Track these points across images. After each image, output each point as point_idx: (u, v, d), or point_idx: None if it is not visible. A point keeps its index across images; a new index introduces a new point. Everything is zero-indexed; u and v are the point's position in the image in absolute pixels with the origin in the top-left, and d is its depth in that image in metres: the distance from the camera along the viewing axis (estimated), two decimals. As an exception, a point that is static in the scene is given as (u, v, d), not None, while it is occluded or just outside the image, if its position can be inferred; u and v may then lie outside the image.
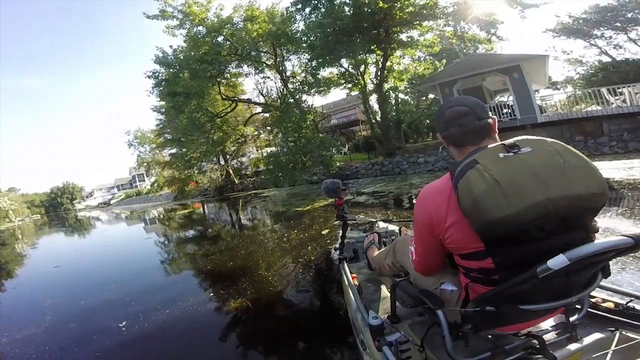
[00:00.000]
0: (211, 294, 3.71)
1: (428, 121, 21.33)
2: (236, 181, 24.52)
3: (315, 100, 29.68)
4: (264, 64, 16.19)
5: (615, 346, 1.00)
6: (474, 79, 12.77)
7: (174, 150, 21.00)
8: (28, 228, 24.64)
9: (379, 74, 15.09)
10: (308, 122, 13.97)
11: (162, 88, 14.32)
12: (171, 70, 13.80)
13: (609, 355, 0.97)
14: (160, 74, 14.03)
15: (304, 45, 14.25)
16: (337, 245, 2.43)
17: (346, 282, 1.92)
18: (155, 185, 34.70)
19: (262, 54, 15.65)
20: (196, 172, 21.20)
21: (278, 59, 15.62)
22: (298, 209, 9.39)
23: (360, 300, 1.55)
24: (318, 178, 17.96)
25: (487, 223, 0.79)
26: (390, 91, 15.14)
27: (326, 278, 3.61)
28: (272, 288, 3.53)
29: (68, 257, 8.08)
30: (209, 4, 14.44)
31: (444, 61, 17.05)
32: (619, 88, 10.64)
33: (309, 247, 4.82)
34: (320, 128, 19.82)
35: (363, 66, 15.33)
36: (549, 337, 1.05)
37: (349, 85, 16.58)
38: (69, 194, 55.81)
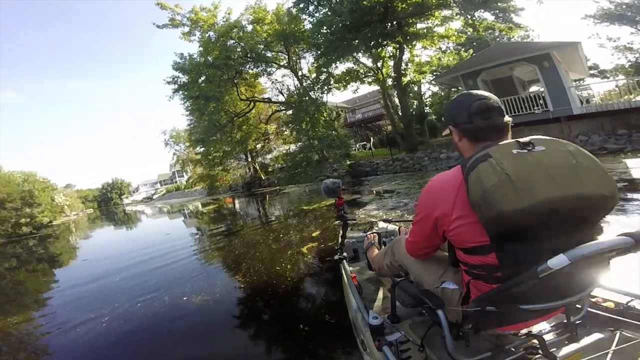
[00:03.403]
0: (218, 288, 3.85)
1: None
2: (263, 177, 25.11)
3: (338, 96, 29.42)
4: (277, 64, 16.19)
5: (616, 346, 0.99)
6: (502, 69, 11.84)
7: (201, 149, 22.06)
8: (82, 221, 27.25)
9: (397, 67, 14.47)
10: (322, 120, 13.92)
11: (182, 93, 14.93)
12: (188, 76, 14.31)
13: (609, 355, 0.96)
14: (179, 79, 14.60)
15: (310, 44, 14.04)
16: (337, 246, 2.44)
17: (346, 282, 1.96)
18: (190, 181, 36.91)
19: (275, 54, 15.65)
20: (221, 169, 22.06)
21: (292, 58, 15.55)
22: (305, 207, 9.59)
23: (360, 300, 1.56)
24: (338, 174, 18.00)
25: (495, 216, 0.79)
26: (411, 84, 14.58)
27: (326, 278, 3.62)
28: (272, 287, 3.58)
29: (112, 250, 8.63)
30: (216, 10, 14.68)
31: (471, 51, 16.09)
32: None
33: (310, 245, 4.91)
34: (339, 124, 19.71)
35: (380, 60, 14.81)
36: (549, 337, 1.05)
37: (369, 80, 16.10)
38: (118, 189, 60.06)
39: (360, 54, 14.81)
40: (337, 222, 2.52)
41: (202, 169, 26.16)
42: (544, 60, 10.60)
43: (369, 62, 15.62)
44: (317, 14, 13.39)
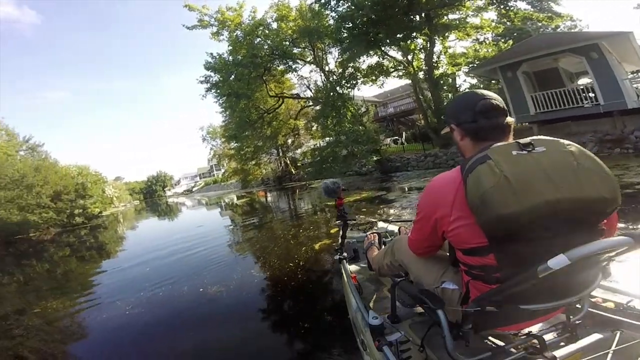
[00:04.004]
0: (232, 281, 4.06)
1: None
2: (293, 171, 25.54)
3: (369, 90, 28.91)
4: (303, 60, 16.17)
5: (616, 346, 0.98)
6: (546, 61, 10.88)
7: (234, 145, 22.84)
8: (129, 213, 29.46)
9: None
10: (348, 115, 13.74)
11: (214, 91, 15.44)
12: (219, 75, 14.73)
13: (609, 356, 0.95)
14: (211, 78, 15.09)
15: (334, 39, 13.83)
16: (337, 246, 2.45)
17: (346, 282, 1.97)
18: (226, 174, 38.45)
19: (302, 50, 15.61)
20: (253, 164, 22.68)
21: (317, 54, 15.44)
22: (329, 203, 9.64)
23: (360, 300, 1.57)
24: (367, 169, 17.76)
25: (493, 218, 0.79)
26: (444, 77, 13.91)
27: (330, 277, 3.65)
28: (281, 284, 3.71)
29: (151, 241, 9.34)
30: (242, 9, 14.84)
31: (510, 42, 15.03)
32: None
33: (323, 242, 5.13)
34: (368, 119, 19.38)
35: (410, 53, 14.25)
36: (549, 337, 1.05)
37: (400, 73, 15.54)
38: (161, 182, 63.71)
39: (388, 48, 14.29)
40: (337, 222, 2.53)
41: (236, 163, 27.12)
42: (592, 51, 9.62)
43: (398, 55, 15.09)
44: (339, 9, 13.09)
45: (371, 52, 14.18)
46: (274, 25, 14.91)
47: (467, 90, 1.07)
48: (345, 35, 13.02)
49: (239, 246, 6.47)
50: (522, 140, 0.85)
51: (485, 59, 13.50)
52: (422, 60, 14.28)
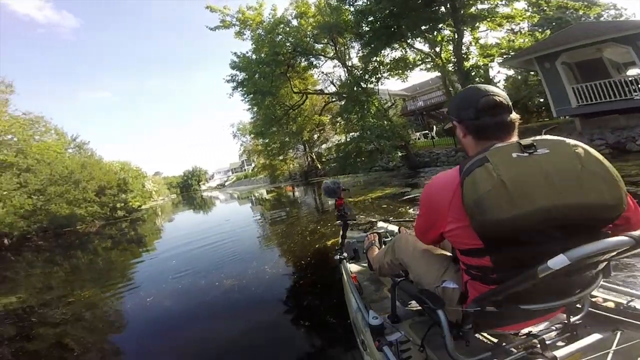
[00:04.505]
0: (246, 276, 4.24)
1: (542, 99, 18.10)
2: (319, 167, 25.68)
3: (397, 84, 28.20)
4: (325, 56, 16.01)
5: (616, 346, 0.98)
6: (589, 51, 10.03)
7: (261, 141, 23.35)
8: (167, 206, 31.08)
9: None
10: (372, 110, 13.49)
11: (240, 89, 15.77)
12: (245, 73, 14.97)
13: (609, 355, 0.95)
14: (237, 77, 15.38)
15: (354, 34, 13.55)
16: (337, 246, 2.48)
17: (346, 282, 1.98)
18: (255, 170, 39.43)
19: (324, 45, 15.48)
20: (281, 159, 23.04)
21: (339, 49, 15.23)
22: (350, 199, 9.64)
23: (360, 300, 1.59)
24: (395, 165, 17.43)
25: (486, 223, 0.79)
26: (476, 69, 13.24)
27: (326, 278, 3.65)
28: (289, 281, 3.81)
29: (185, 234, 9.72)
30: (261, 8, 14.89)
31: (548, 32, 14.01)
32: None
33: (335, 240, 5.01)
34: (395, 113, 18.93)
35: (438, 45, 13.70)
36: (549, 337, 1.06)
37: (428, 66, 15.02)
38: (197, 176, 66.46)
39: (413, 40, 13.79)
40: (337, 222, 2.55)
41: (264, 159, 27.75)
42: (639, 40, 8.83)
43: (425, 48, 14.53)
44: (357, 3, 12.83)
45: (395, 45, 13.77)
46: (294, 22, 14.93)
47: (469, 85, 1.03)
48: (367, 29, 12.72)
49: (260, 241, 6.73)
50: (524, 141, 0.83)
51: (521, 49, 12.72)
52: (450, 51, 13.64)
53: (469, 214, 0.82)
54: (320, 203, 11.55)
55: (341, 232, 2.53)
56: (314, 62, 16.22)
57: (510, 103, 0.97)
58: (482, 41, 13.81)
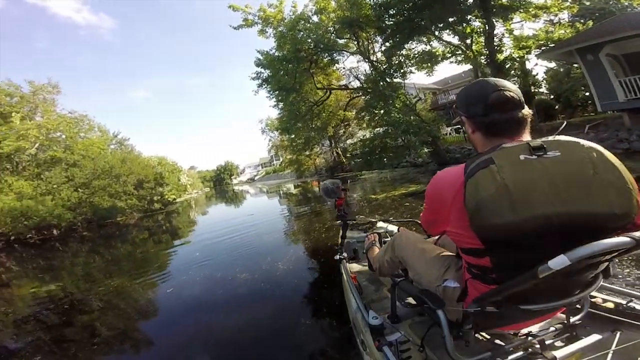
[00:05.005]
0: (258, 271, 4.44)
1: (587, 93, 16.79)
2: (345, 162, 25.62)
3: (426, 77, 27.43)
4: (347, 51, 15.78)
5: (616, 346, 0.99)
6: (638, 42, 9.34)
7: (287, 137, 23.67)
8: (200, 199, 32.36)
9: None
10: (397, 105, 13.15)
11: (265, 87, 15.98)
12: (269, 70, 15.12)
13: (609, 356, 0.96)
14: (261, 75, 15.56)
15: (376, 28, 13.16)
16: (337, 246, 2.48)
17: (346, 282, 1.99)
18: (282, 165, 40.10)
19: (346, 40, 15.24)
20: (306, 154, 23.21)
21: (362, 43, 14.93)
22: (372, 196, 9.62)
23: (360, 300, 1.60)
24: (423, 160, 16.97)
25: (485, 226, 0.79)
26: (510, 61, 12.49)
27: (326, 278, 3.70)
28: (296, 280, 3.86)
29: (216, 228, 10.15)
30: (282, 5, 14.88)
31: (590, 23, 12.92)
32: None
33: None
34: (424, 107, 18.34)
35: (469, 37, 13.06)
36: (549, 337, 1.07)
37: (458, 59, 14.37)
38: (228, 170, 68.61)
39: (440, 33, 13.25)
40: (337, 222, 2.55)
41: (290, 154, 28.11)
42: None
43: (454, 40, 13.90)
44: None
45: (422, 38, 13.31)
46: (315, 18, 14.84)
47: (479, 78, 0.98)
48: (389, 23, 12.37)
49: (278, 236, 6.94)
50: (533, 143, 0.80)
51: (560, 41, 11.86)
52: (482, 43, 12.94)
53: (470, 215, 0.81)
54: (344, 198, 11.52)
55: (341, 232, 2.53)
56: (337, 58, 16.11)
57: (522, 98, 0.93)
58: (516, 32, 12.96)
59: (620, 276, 2.23)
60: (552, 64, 17.91)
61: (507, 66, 12.23)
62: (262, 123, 40.81)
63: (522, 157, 0.78)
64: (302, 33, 13.96)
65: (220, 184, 65.26)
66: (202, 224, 12.58)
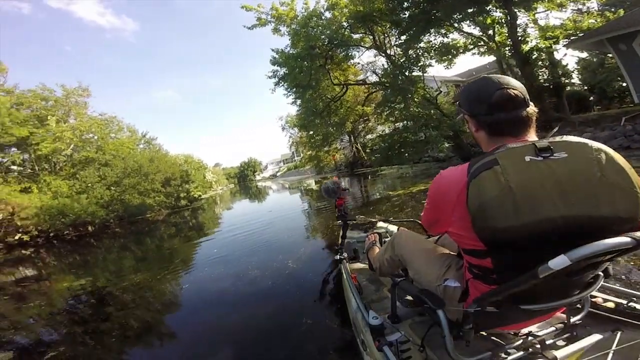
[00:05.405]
0: (269, 267, 4.58)
1: (624, 84, 15.71)
2: (365, 157, 25.36)
3: (449, 70, 26.58)
4: (362, 46, 15.55)
5: (616, 346, 1.00)
6: None
7: (305, 133, 23.74)
8: (225, 195, 33.01)
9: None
10: (416, 99, 12.82)
11: (282, 84, 16.01)
12: (285, 68, 15.11)
13: (609, 356, 0.97)
14: (277, 73, 15.60)
15: (390, 22, 12.81)
16: (337, 246, 2.49)
17: (346, 282, 2.00)
18: (302, 161, 40.28)
19: (362, 35, 15.00)
20: (325, 151, 23.20)
21: (378, 37, 14.61)
22: (390, 192, 9.56)
23: (360, 300, 1.62)
24: (446, 155, 16.57)
25: (488, 229, 0.78)
26: (536, 51, 11.87)
27: (326, 278, 3.74)
28: (303, 279, 3.89)
29: (239, 223, 10.44)
30: (293, 2, 14.78)
31: (621, 11, 12.04)
32: None
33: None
34: (446, 100, 17.82)
35: (490, 28, 12.50)
36: (549, 337, 1.08)
37: (482, 50, 13.76)
38: (252, 167, 69.55)
39: (459, 24, 12.74)
40: (337, 222, 2.57)
41: (309, 150, 28.19)
42: None
43: (475, 31, 13.33)
44: None
45: (442, 30, 12.83)
46: (327, 14, 14.65)
47: (483, 75, 0.97)
48: (403, 16, 12.06)
49: (293, 233, 7.00)
50: (539, 143, 0.79)
51: (590, 30, 11.18)
52: (505, 34, 12.36)
53: (472, 217, 0.81)
54: (358, 194, 11.53)
55: (341, 232, 2.56)
56: (352, 53, 15.95)
57: (527, 96, 0.91)
58: (541, 22, 12.28)
59: (620, 276, 2.17)
60: (584, 54, 16.91)
61: (533, 57, 11.65)
62: (282, 120, 41.28)
63: (527, 158, 0.77)
64: (314, 30, 13.84)
65: (244, 180, 66.29)
66: (226, 220, 12.87)
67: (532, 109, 0.90)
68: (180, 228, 13.10)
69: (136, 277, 5.64)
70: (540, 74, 12.54)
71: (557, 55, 12.62)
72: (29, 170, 18.13)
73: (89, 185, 17.44)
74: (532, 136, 0.90)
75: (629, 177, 0.73)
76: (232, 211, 16.52)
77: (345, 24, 13.96)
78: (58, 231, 14.84)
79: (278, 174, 58.72)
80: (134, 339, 3.30)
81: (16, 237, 13.94)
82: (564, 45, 11.63)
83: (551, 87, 12.76)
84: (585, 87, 17.89)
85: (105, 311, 4.29)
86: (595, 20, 11.72)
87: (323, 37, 13.63)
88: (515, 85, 0.90)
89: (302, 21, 14.21)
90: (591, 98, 16.67)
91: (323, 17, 14.61)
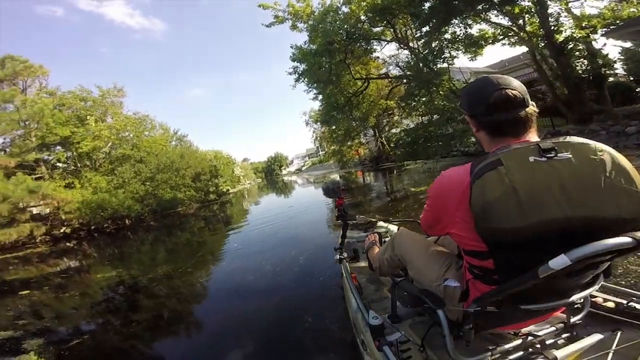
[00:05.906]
0: (279, 265, 4.71)
1: None
2: (390, 152, 24.94)
3: (479, 61, 25.27)
4: (382, 39, 15.22)
5: (616, 346, 1.00)
6: None
7: (328, 128, 23.72)
8: (253, 189, 33.64)
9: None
10: (441, 92, 12.41)
11: (303, 80, 16.14)
12: (304, 65, 15.18)
13: (609, 355, 0.97)
14: (298, 69, 15.72)
15: (410, 14, 12.41)
16: (337, 246, 2.47)
17: (346, 282, 1.99)
18: (326, 155, 40.33)
19: (382, 28, 14.69)
20: (349, 144, 23.08)
21: (399, 30, 14.26)
22: (413, 189, 9.44)
23: (360, 300, 1.61)
24: (475, 149, 16.02)
25: (492, 230, 0.78)
26: (572, 42, 11.11)
27: (326, 278, 3.75)
28: (300, 280, 3.92)
29: (264, 219, 10.72)
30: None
31: None
32: None
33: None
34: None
35: (520, 17, 11.80)
36: (549, 337, 1.07)
37: (513, 40, 13.04)
38: (278, 162, 70.32)
39: (487, 14, 12.16)
40: (337, 222, 2.58)
41: (332, 145, 28.14)
42: None
43: (503, 21, 12.63)
44: None
45: (467, 21, 12.32)
46: (344, 9, 14.46)
47: (482, 75, 0.96)
48: (423, 8, 11.71)
49: (309, 229, 7.18)
50: (543, 144, 0.78)
51: (630, 19, 10.29)
52: (537, 24, 11.66)
53: (475, 218, 0.80)
54: (381, 190, 11.43)
55: (341, 232, 2.53)
56: (373, 47, 15.68)
57: (527, 96, 0.89)
58: (576, 11, 11.45)
59: (620, 276, 2.07)
60: (628, 44, 15.63)
61: (569, 47, 10.94)
62: (306, 115, 41.43)
63: (531, 159, 0.76)
64: (332, 25, 13.74)
65: (271, 174, 67.18)
66: (251, 214, 13.20)
67: (531, 109, 0.89)
68: (210, 221, 13.56)
69: (167, 267, 5.99)
70: (578, 64, 11.72)
71: (597, 45, 11.73)
72: (72, 167, 19.46)
73: (126, 180, 18.49)
74: (532, 136, 0.90)
75: (632, 178, 0.73)
76: (259, 206, 16.87)
77: (363, 17, 13.70)
78: (98, 224, 15.83)
79: (303, 168, 59.27)
80: (164, 328, 3.53)
81: (61, 230, 15.09)
82: (602, 35, 10.83)
83: (591, 78, 11.92)
84: (632, 78, 16.61)
85: (137, 300, 4.60)
86: (637, 9, 10.79)
87: (341, 31, 13.52)
88: (514, 85, 0.90)
89: (319, 17, 14.17)
90: (637, 89, 15.47)
91: (340, 12, 14.46)
